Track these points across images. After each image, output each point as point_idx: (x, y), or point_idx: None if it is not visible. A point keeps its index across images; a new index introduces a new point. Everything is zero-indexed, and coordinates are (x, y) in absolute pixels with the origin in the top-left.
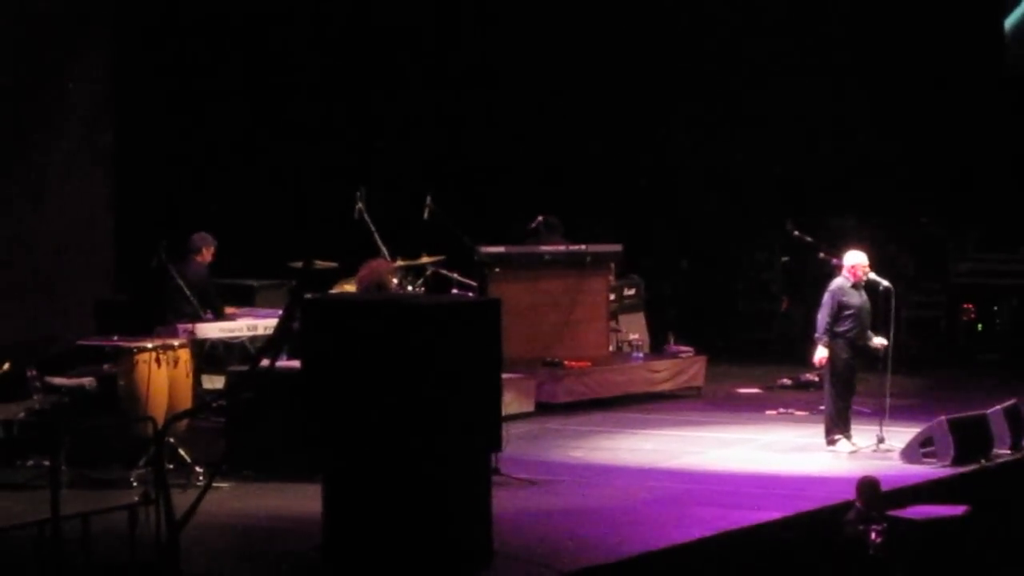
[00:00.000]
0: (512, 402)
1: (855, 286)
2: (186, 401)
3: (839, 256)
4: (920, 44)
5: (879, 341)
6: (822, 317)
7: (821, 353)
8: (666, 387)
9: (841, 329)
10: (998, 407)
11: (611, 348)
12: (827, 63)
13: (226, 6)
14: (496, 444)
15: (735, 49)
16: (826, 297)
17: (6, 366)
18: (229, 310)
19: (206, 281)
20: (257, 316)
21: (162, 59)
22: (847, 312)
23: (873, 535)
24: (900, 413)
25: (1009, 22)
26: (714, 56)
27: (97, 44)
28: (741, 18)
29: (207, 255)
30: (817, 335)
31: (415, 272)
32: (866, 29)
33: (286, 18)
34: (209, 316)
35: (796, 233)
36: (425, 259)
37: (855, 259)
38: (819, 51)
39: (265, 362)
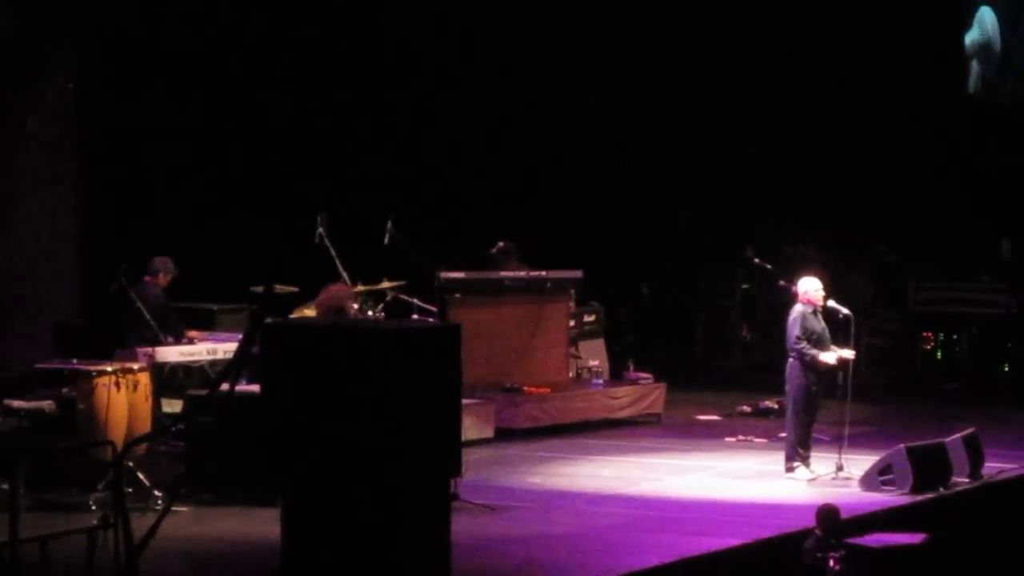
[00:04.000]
0: (471, 428)
1: (815, 312)
2: (145, 425)
3: (797, 283)
4: (880, 71)
5: (846, 353)
6: (792, 338)
7: (828, 357)
8: (625, 414)
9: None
10: (957, 436)
11: (571, 374)
12: (786, 89)
13: (191, 33)
14: (455, 470)
15: (694, 77)
16: (790, 322)
17: None
18: (192, 333)
19: (164, 304)
20: (217, 340)
21: (125, 85)
22: (811, 338)
23: (831, 563)
24: (859, 441)
25: (968, 39)
26: (673, 83)
27: (61, 70)
28: (697, 44)
29: (164, 279)
30: (793, 354)
31: (375, 297)
32: (825, 54)
33: (247, 45)
34: (170, 340)
35: (756, 260)
36: (385, 284)
37: (808, 285)
38: (778, 78)
39: (224, 386)
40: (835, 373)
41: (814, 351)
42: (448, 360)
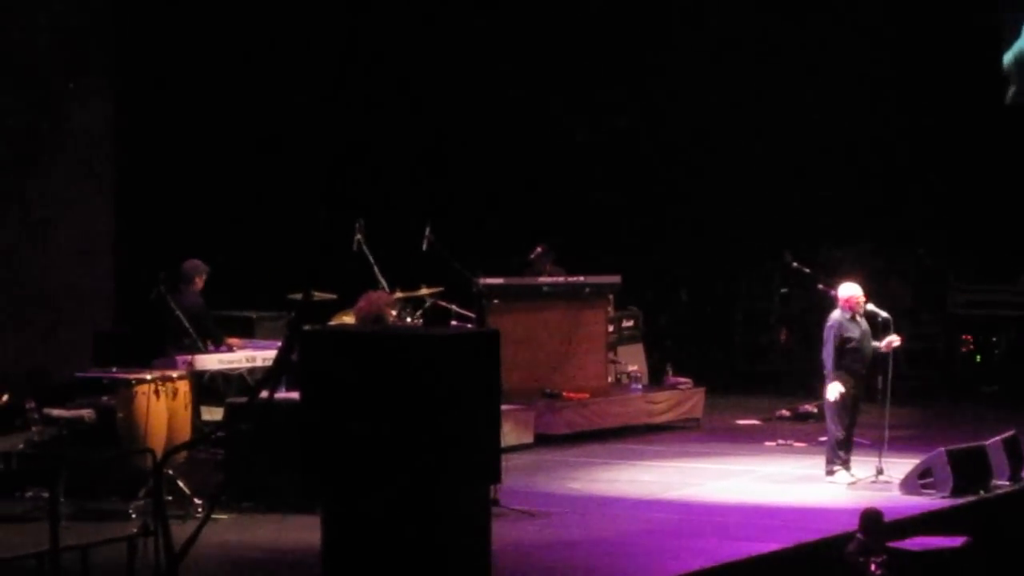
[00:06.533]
0: (511, 433)
1: (853, 318)
2: (185, 433)
3: (836, 288)
4: (919, 74)
5: (891, 340)
6: (827, 353)
7: (834, 390)
8: (665, 418)
9: (844, 361)
10: (997, 438)
11: (610, 379)
12: (825, 95)
13: (228, 40)
14: (495, 476)
15: (732, 80)
16: (827, 333)
17: (5, 398)
18: (233, 341)
19: (203, 310)
20: (256, 348)
21: (163, 91)
22: (849, 345)
23: (873, 567)
24: (899, 444)
25: (1008, 57)
26: (711, 85)
27: (98, 76)
28: (733, 46)
29: (199, 283)
30: (827, 371)
31: (414, 304)
32: (864, 60)
33: (285, 53)
34: (211, 346)
35: (794, 264)
36: (424, 291)
37: (849, 291)
38: (817, 83)
39: (264, 394)
40: (875, 376)
41: (832, 379)
42: (487, 366)
